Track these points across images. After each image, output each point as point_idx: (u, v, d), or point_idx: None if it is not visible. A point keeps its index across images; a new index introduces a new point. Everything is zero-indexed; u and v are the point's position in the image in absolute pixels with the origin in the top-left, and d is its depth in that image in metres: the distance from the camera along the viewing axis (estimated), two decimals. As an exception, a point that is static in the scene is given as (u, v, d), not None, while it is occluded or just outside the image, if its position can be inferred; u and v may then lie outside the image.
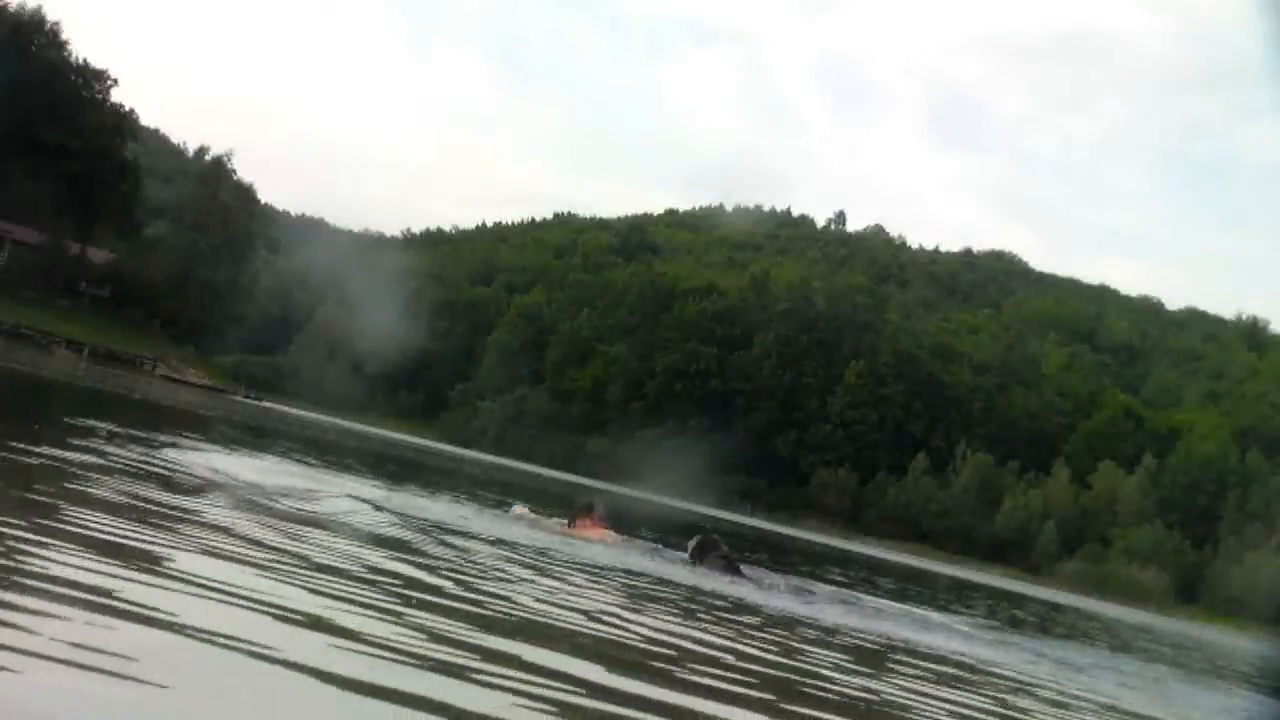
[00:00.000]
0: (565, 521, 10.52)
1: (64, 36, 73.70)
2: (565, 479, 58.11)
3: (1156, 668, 12.09)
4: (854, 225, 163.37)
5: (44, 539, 3.80)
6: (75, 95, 72.56)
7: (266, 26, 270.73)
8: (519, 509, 11.32)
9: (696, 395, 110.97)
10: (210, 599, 3.47)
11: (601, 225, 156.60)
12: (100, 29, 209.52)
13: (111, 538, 4.20)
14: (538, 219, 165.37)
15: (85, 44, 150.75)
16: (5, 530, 3.76)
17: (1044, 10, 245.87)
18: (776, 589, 9.67)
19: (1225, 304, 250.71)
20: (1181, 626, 48.12)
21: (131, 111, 79.96)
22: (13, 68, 65.35)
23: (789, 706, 3.87)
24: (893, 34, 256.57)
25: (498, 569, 6.17)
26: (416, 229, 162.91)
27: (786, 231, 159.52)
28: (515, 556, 7.09)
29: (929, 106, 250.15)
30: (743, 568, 9.94)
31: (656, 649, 4.47)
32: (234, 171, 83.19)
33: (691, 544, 10.13)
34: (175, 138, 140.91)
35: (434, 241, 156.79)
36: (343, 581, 4.38)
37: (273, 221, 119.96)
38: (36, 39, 71.96)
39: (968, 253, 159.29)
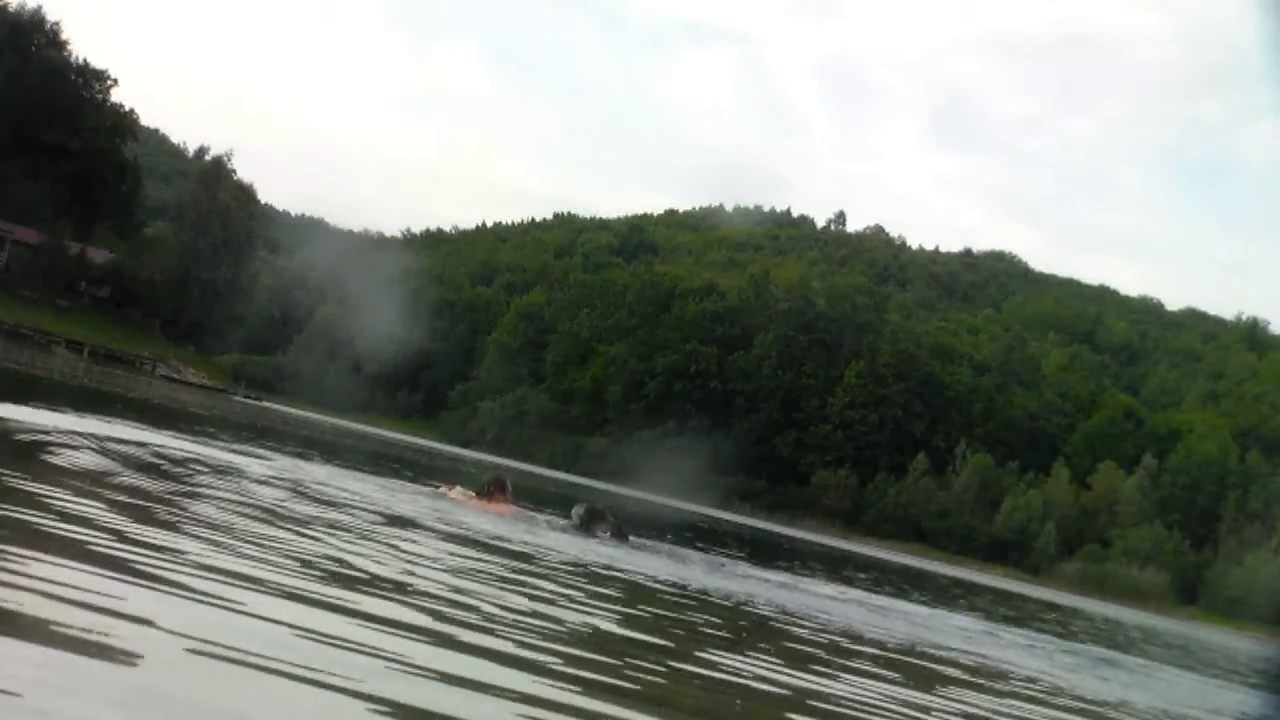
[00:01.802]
0: (473, 493, 11.20)
1: (64, 36, 73.92)
2: (565, 479, 58.13)
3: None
4: (854, 225, 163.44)
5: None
6: (75, 95, 72.64)
7: (267, 26, 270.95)
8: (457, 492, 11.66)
9: (696, 395, 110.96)
10: None
11: (601, 225, 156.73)
12: (100, 29, 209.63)
13: None
14: (538, 219, 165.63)
15: (85, 44, 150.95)
16: None
17: (1044, 10, 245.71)
18: (655, 553, 10.63)
19: (1225, 304, 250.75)
20: (1179, 627, 48.11)
21: (131, 111, 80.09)
22: (13, 68, 65.47)
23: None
24: (892, 34, 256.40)
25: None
26: (416, 229, 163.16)
27: (786, 231, 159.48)
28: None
29: (929, 106, 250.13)
30: (631, 536, 10.94)
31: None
32: (234, 171, 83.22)
33: (578, 512, 10.88)
34: (175, 138, 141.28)
35: (434, 241, 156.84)
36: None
37: (273, 221, 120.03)
38: (36, 39, 72.05)
39: (968, 253, 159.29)
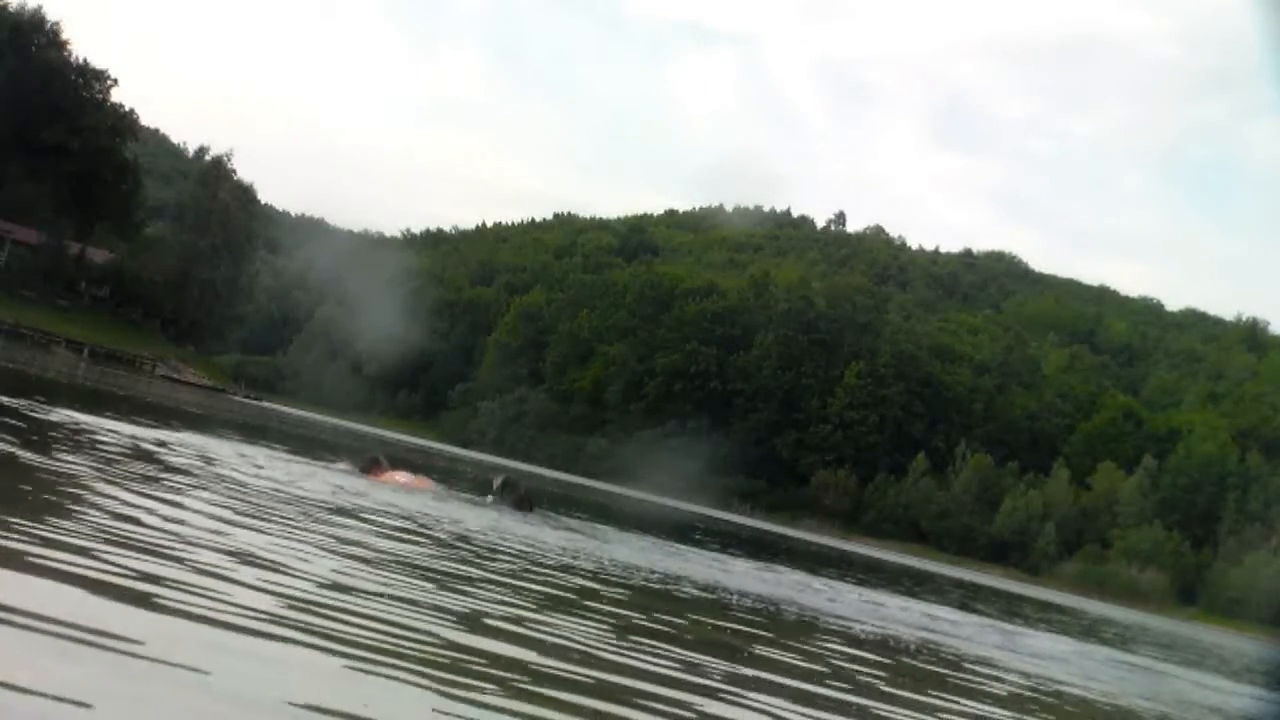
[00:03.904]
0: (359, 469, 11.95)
1: (64, 36, 73.84)
2: (565, 479, 58.11)
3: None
4: (854, 225, 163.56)
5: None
6: (75, 95, 72.58)
7: (267, 27, 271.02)
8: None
9: (696, 395, 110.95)
10: None
11: (601, 225, 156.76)
12: (100, 29, 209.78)
13: None
14: (538, 219, 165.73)
15: (85, 44, 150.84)
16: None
17: (1045, 12, 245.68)
18: (551, 524, 11.71)
19: (1225, 305, 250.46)
20: (1178, 627, 48.07)
21: (131, 111, 79.88)
22: (13, 68, 65.47)
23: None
24: (893, 35, 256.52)
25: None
26: (416, 229, 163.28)
27: (786, 232, 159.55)
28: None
29: (929, 107, 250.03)
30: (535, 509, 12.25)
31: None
32: (234, 171, 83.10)
33: (496, 483, 12.11)
34: (175, 138, 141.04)
35: (434, 241, 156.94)
36: None
37: (273, 221, 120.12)
38: (36, 39, 72.01)
39: (968, 253, 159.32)
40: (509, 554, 7.72)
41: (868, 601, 12.33)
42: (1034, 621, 18.36)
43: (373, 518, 7.72)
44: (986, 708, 5.52)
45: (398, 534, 7.17)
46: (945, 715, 4.97)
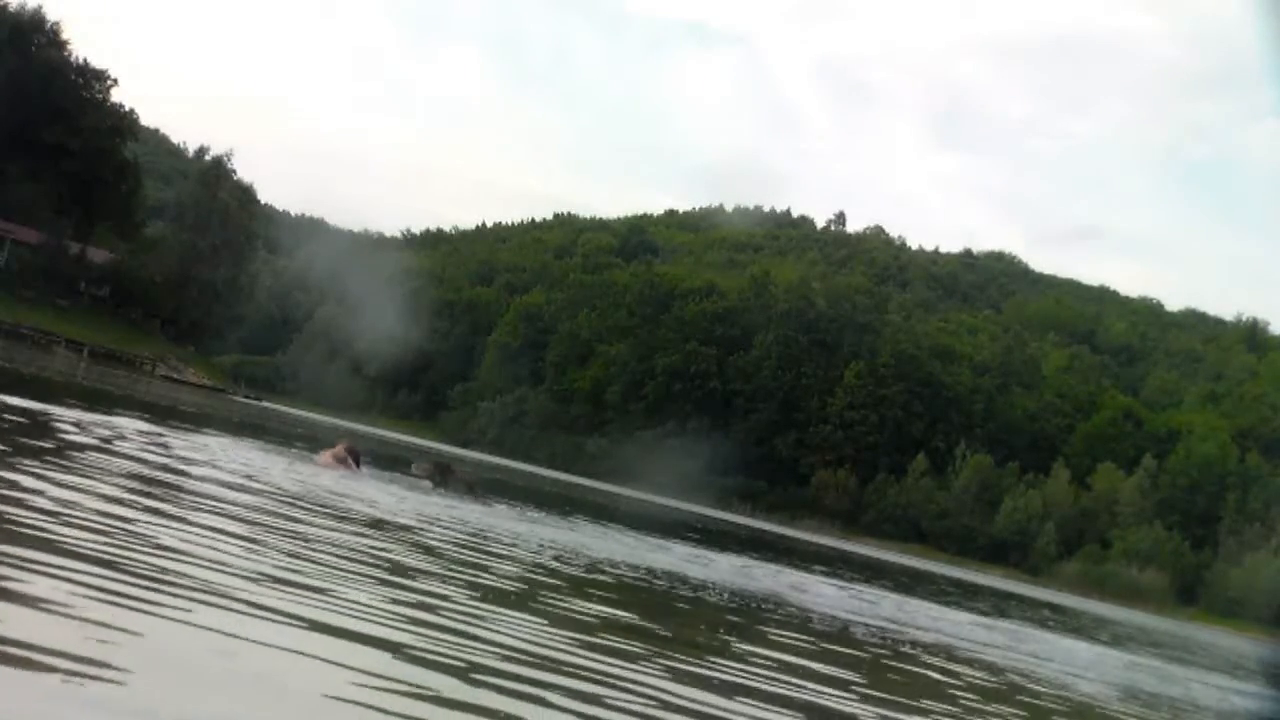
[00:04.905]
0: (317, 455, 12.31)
1: (64, 36, 73.85)
2: (565, 479, 58.13)
3: None
4: (854, 225, 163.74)
5: None
6: (75, 95, 72.57)
7: (267, 27, 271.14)
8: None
9: (696, 396, 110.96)
10: None
11: (601, 225, 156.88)
12: (100, 29, 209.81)
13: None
14: (538, 219, 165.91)
15: (85, 44, 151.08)
16: None
17: (1045, 11, 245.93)
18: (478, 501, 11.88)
19: (1225, 305, 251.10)
20: (1177, 628, 48.05)
21: (131, 111, 79.93)
22: (13, 68, 65.49)
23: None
24: (893, 35, 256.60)
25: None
26: (416, 229, 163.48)
27: (786, 232, 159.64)
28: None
29: (929, 107, 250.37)
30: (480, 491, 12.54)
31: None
32: (234, 171, 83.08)
33: (425, 468, 12.14)
34: (175, 138, 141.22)
35: (434, 241, 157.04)
36: None
37: (273, 221, 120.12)
38: (36, 39, 72.02)
39: (968, 253, 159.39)
40: (503, 549, 7.72)
41: (854, 596, 12.36)
42: (1032, 621, 18.37)
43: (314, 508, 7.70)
44: (978, 706, 5.53)
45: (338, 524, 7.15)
46: (935, 714, 4.97)
